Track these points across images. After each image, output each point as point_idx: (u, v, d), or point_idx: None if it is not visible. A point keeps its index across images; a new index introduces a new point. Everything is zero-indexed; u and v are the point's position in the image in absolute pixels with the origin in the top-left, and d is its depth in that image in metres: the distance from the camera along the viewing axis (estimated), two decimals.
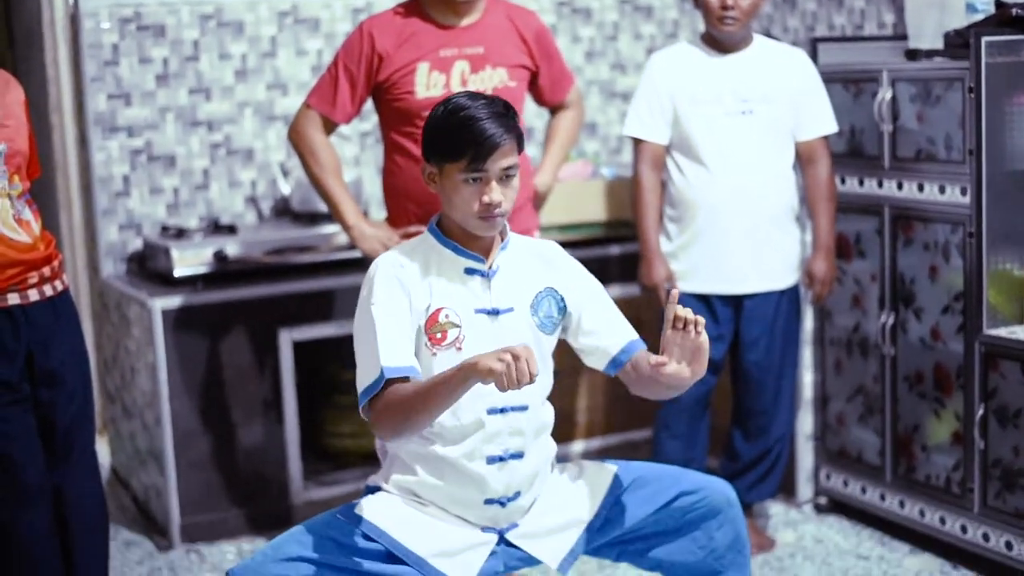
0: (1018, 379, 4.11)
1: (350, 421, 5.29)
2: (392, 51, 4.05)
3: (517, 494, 3.10)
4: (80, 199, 5.46)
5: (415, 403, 2.87)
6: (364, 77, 4.07)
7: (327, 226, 5.05)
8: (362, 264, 5.07)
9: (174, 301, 4.76)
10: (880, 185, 4.56)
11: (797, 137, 4.41)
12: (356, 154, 5.49)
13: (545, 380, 3.14)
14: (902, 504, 4.61)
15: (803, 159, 4.45)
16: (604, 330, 3.15)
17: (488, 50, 4.09)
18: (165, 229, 5.17)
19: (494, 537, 3.10)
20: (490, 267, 3.07)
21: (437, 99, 3.84)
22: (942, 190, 4.32)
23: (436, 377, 2.87)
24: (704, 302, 4.42)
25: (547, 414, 3.19)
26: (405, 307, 3.00)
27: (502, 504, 3.09)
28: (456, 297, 3.04)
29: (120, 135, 5.19)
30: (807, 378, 4.90)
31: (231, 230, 5.08)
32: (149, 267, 5.10)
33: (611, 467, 3.23)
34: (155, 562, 4.73)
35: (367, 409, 2.97)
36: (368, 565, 2.98)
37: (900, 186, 4.48)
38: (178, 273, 4.81)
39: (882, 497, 4.69)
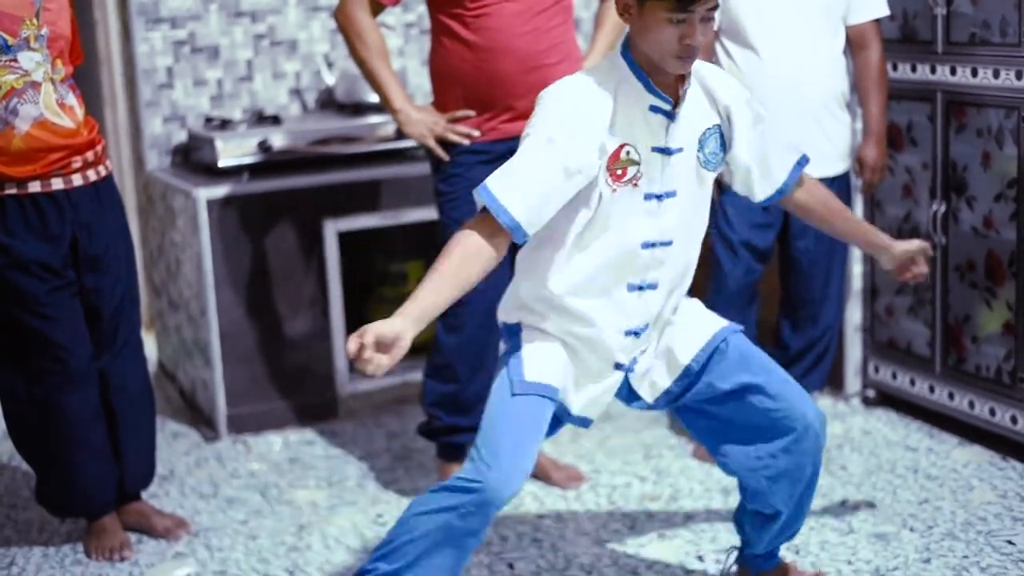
0: None
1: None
2: None
3: (647, 325, 3.14)
4: (124, 92, 5.44)
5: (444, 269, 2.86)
6: None
7: (372, 116, 5.02)
8: (407, 155, 5.05)
9: (219, 191, 4.74)
10: (933, 71, 4.47)
11: (848, 21, 4.32)
12: (400, 45, 5.44)
13: (701, 220, 3.16)
14: (951, 396, 4.57)
15: (854, 44, 4.36)
16: (771, 163, 3.19)
17: None
18: (209, 120, 5.15)
19: (621, 375, 3.19)
20: (675, 108, 3.00)
21: None
22: (996, 75, 4.23)
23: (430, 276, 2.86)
24: None
25: (693, 254, 3.18)
26: (567, 146, 2.90)
27: (636, 335, 3.13)
28: (638, 134, 2.98)
29: (163, 27, 5.15)
30: (856, 269, 4.85)
31: (276, 121, 5.05)
32: (194, 159, 5.09)
33: (717, 322, 3.25)
34: (202, 452, 4.76)
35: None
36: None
37: (953, 71, 4.40)
38: (223, 164, 4.80)
39: (931, 389, 4.65)
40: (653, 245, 3.06)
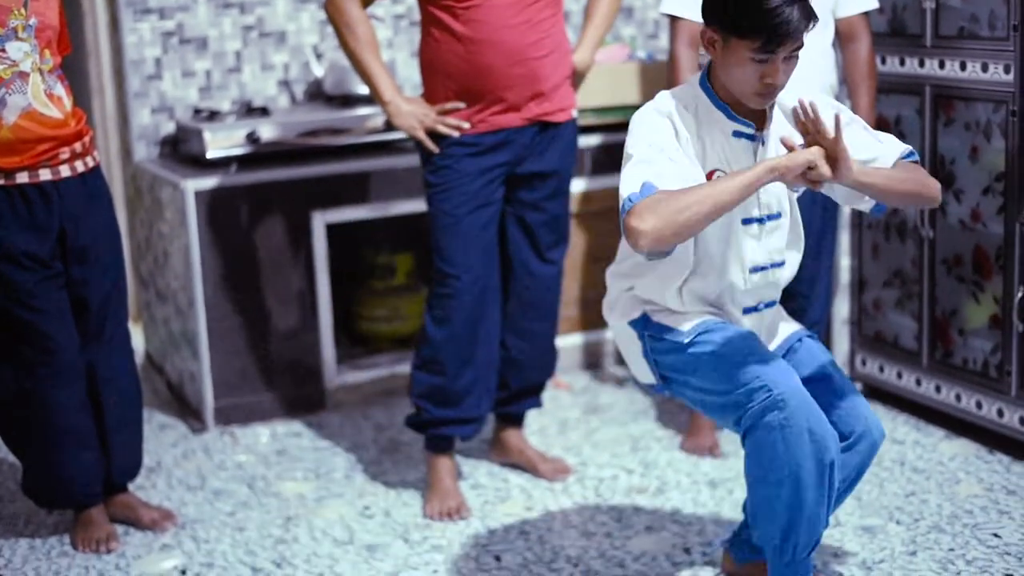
0: None
1: (384, 305, 5.29)
2: None
3: (772, 303, 3.28)
4: (112, 83, 5.43)
5: (693, 198, 2.84)
6: None
7: (361, 108, 5.01)
8: (395, 147, 5.05)
9: (207, 183, 4.73)
10: (922, 64, 4.48)
11: (837, 14, 4.32)
12: (389, 37, 5.43)
13: (799, 237, 3.23)
14: (938, 389, 4.58)
15: (843, 37, 4.36)
16: (870, 154, 3.08)
17: None
18: (198, 112, 5.13)
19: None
20: (761, 132, 3.08)
21: None
22: (984, 68, 4.24)
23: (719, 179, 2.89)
24: None
25: (791, 270, 3.27)
26: (676, 154, 2.98)
27: (757, 310, 3.24)
28: (726, 159, 3.07)
29: (152, 17, 5.14)
30: (844, 262, 4.86)
31: (264, 112, 5.04)
32: (182, 150, 5.08)
33: (795, 325, 3.37)
34: (189, 444, 4.75)
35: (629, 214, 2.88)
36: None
37: (942, 65, 4.40)
38: (211, 155, 4.79)
39: (918, 382, 4.66)
40: (763, 269, 3.16)
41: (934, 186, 3.09)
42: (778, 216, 3.15)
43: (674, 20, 4.35)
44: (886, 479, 4.22)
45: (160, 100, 5.19)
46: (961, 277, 4.44)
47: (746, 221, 3.12)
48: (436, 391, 4.16)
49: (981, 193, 4.32)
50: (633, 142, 3.02)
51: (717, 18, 2.97)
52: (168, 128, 5.21)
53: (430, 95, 4.08)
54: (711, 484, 4.24)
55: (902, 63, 4.55)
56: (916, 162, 3.13)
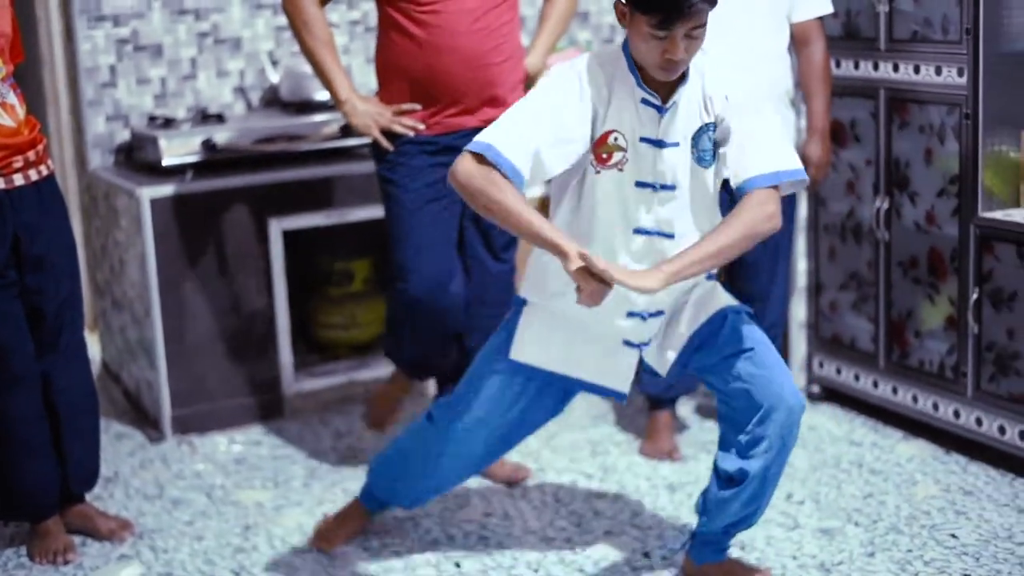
0: (1013, 262, 4.09)
1: (341, 312, 5.28)
2: None
3: (658, 312, 3.34)
4: (67, 91, 5.39)
5: (495, 205, 3.09)
6: None
7: (317, 115, 5.00)
8: (352, 153, 5.04)
9: (163, 190, 4.71)
10: (876, 68, 4.50)
11: (791, 18, 4.34)
12: (345, 43, 5.41)
13: (712, 216, 3.29)
14: (895, 391, 4.60)
15: (798, 41, 4.38)
16: (741, 161, 3.19)
17: None
18: (152, 119, 5.11)
19: (637, 352, 3.39)
20: (665, 103, 3.17)
21: None
22: (938, 71, 4.26)
23: (527, 211, 3.07)
24: None
25: (683, 245, 3.27)
26: (563, 116, 3.13)
27: (642, 318, 3.32)
28: (627, 123, 3.17)
29: (106, 25, 5.11)
30: (801, 265, 4.87)
31: (220, 119, 5.02)
32: (137, 158, 5.05)
33: (725, 301, 3.37)
34: (147, 453, 4.72)
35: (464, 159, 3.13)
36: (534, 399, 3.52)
37: (896, 68, 4.43)
38: (167, 162, 4.76)
39: (875, 384, 4.68)
40: (648, 233, 3.23)
41: (765, 227, 3.15)
42: (672, 188, 3.22)
43: None
44: (844, 481, 4.24)
45: (115, 108, 5.16)
46: (917, 279, 4.46)
47: (639, 184, 3.21)
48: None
49: (936, 195, 4.35)
50: (531, 94, 3.20)
51: None
52: (123, 136, 5.18)
53: (386, 96, 4.09)
54: (670, 488, 4.24)
55: (856, 66, 4.57)
56: (775, 187, 3.17)
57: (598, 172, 3.19)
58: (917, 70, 4.34)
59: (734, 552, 3.70)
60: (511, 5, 4.08)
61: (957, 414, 4.35)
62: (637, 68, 3.15)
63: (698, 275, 3.16)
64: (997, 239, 4.13)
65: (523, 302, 3.47)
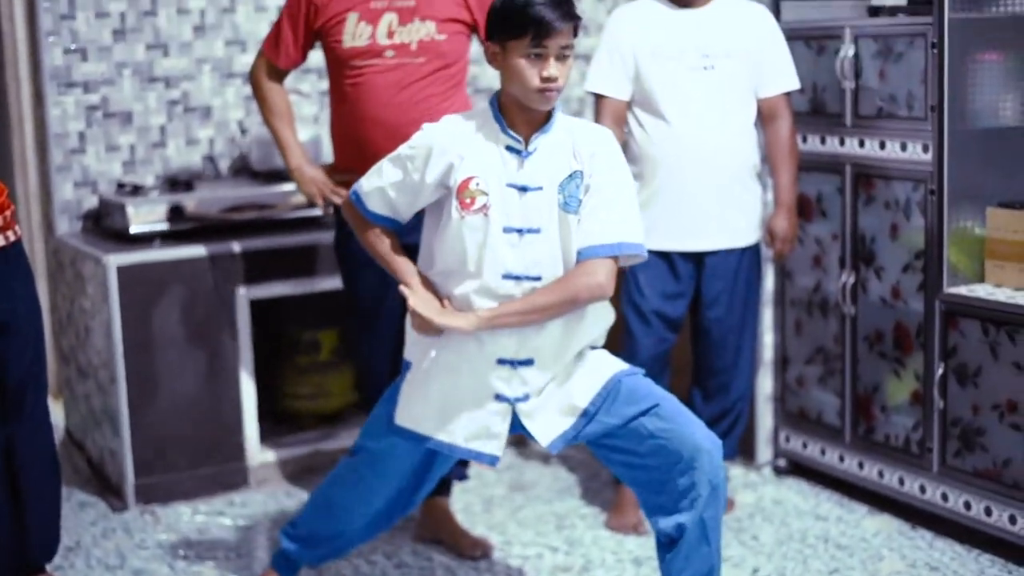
0: (978, 337, 4.11)
1: (308, 383, 5.26)
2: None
3: (529, 360, 3.35)
4: (35, 156, 5.38)
5: (364, 241, 3.52)
6: (303, 24, 4.21)
7: (286, 184, 5.00)
8: (320, 223, 5.04)
9: (130, 258, 4.70)
10: (842, 143, 4.54)
11: (759, 94, 4.38)
12: (315, 112, 5.43)
13: (569, 257, 3.35)
14: (861, 465, 4.60)
15: (765, 116, 4.42)
16: (587, 225, 3.32)
17: (419, 2, 4.10)
18: (121, 186, 5.10)
19: (508, 409, 3.39)
20: (526, 148, 3.32)
21: (361, 49, 4.05)
22: (904, 147, 4.30)
23: (385, 248, 3.47)
24: (665, 259, 4.39)
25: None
26: (420, 177, 3.37)
27: (512, 365, 3.35)
28: (490, 169, 3.32)
29: (76, 91, 5.12)
30: (767, 339, 4.88)
31: (188, 187, 5.02)
32: (105, 225, 5.04)
33: (616, 367, 3.42)
34: (109, 523, 4.68)
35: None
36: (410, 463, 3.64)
37: (862, 144, 4.47)
38: (134, 230, 4.76)
39: (841, 458, 4.68)
40: (517, 278, 3.32)
41: (590, 295, 3.31)
42: (537, 231, 3.31)
43: (599, 98, 4.40)
44: (810, 556, 4.23)
45: (83, 174, 5.16)
46: (883, 354, 4.48)
47: (506, 229, 3.32)
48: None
49: (901, 271, 4.37)
50: (400, 146, 3.43)
51: (494, 30, 3.29)
52: (91, 202, 5.17)
53: (338, 162, 4.32)
54: (636, 562, 4.23)
55: (823, 142, 4.61)
56: (614, 257, 3.32)
57: (463, 217, 3.31)
58: (883, 146, 4.38)
59: None
60: (445, 76, 4.15)
61: (923, 489, 4.35)
62: (503, 115, 3.31)
63: (515, 327, 3.31)
64: (962, 315, 4.15)
65: (408, 365, 3.52)
